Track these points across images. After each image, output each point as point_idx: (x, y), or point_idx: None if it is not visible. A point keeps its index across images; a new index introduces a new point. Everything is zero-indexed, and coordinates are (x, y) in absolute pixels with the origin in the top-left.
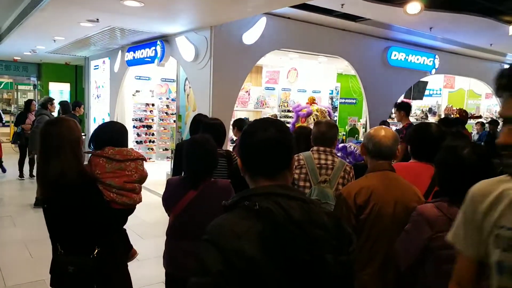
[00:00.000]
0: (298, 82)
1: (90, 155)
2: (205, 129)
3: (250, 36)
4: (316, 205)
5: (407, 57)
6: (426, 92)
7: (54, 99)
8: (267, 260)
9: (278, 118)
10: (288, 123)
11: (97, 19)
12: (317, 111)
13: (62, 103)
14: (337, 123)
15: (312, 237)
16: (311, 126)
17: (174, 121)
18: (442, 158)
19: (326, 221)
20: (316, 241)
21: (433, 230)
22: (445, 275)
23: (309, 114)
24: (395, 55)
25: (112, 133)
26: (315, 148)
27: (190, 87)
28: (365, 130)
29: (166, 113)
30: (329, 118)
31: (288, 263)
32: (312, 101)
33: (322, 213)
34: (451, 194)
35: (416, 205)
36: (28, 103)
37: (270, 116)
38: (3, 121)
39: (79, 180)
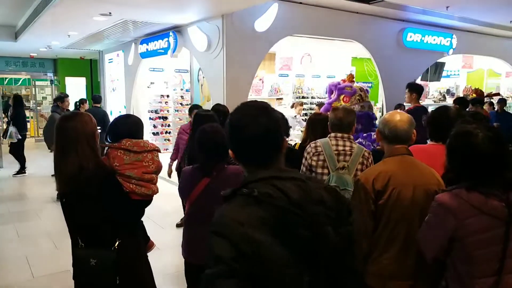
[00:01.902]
0: (313, 68)
1: (107, 148)
2: (199, 121)
3: (262, 23)
4: (313, 182)
5: (423, 38)
6: (444, 73)
7: (66, 96)
8: (272, 243)
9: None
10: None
11: (110, 13)
12: (360, 90)
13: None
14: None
15: (311, 214)
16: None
17: None
18: (454, 145)
19: (324, 196)
20: (316, 217)
21: (457, 219)
22: (478, 260)
23: (354, 93)
24: (410, 37)
25: (129, 125)
26: (332, 134)
27: (203, 77)
28: (382, 114)
29: (181, 103)
30: (368, 99)
31: (292, 243)
32: (351, 79)
33: (320, 189)
34: (468, 180)
35: (435, 188)
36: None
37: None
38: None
39: (98, 173)
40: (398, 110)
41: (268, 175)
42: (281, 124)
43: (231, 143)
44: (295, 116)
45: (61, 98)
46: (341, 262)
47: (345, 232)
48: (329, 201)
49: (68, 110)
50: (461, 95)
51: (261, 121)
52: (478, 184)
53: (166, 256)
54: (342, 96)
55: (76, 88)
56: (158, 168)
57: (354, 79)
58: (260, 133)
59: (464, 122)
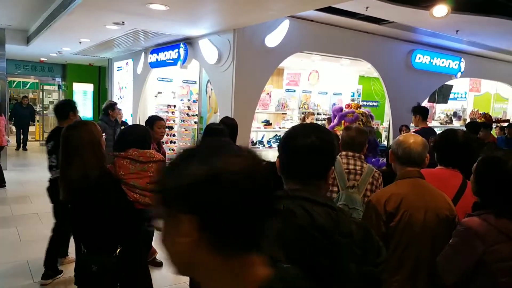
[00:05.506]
0: (319, 85)
1: (114, 157)
2: (210, 135)
3: (273, 39)
4: (345, 214)
5: (431, 60)
6: (451, 96)
7: (116, 104)
8: (283, 257)
9: (299, 120)
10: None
11: (123, 22)
12: (362, 115)
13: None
14: None
15: (334, 243)
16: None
17: (195, 122)
18: (484, 171)
19: (353, 230)
20: (338, 248)
21: (485, 244)
22: (504, 287)
23: (356, 119)
24: (419, 58)
25: (136, 135)
26: (343, 153)
27: (211, 89)
28: (388, 134)
29: (187, 114)
30: (372, 124)
31: (305, 266)
32: (357, 107)
33: (350, 222)
34: (496, 206)
35: (447, 212)
36: None
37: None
38: None
39: (102, 181)
40: (413, 133)
41: (300, 194)
42: (333, 151)
43: (279, 152)
44: None
45: (111, 106)
46: None
47: (368, 273)
48: (358, 237)
49: (116, 120)
50: (468, 118)
51: (310, 137)
52: (507, 210)
53: (168, 268)
54: (343, 122)
55: (83, 94)
56: None
57: (359, 107)
58: (303, 148)
59: (490, 149)
